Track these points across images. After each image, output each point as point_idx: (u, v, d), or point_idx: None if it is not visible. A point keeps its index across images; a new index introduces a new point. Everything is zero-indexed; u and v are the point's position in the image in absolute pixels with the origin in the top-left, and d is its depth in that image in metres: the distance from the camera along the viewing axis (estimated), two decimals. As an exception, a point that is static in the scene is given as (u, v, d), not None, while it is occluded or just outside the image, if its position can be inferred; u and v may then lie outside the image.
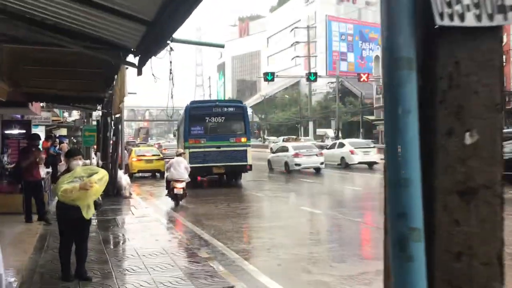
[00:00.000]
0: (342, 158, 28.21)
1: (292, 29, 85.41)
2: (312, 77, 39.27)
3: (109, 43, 5.52)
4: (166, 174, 16.16)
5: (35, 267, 7.14)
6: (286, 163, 25.96)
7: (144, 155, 25.87)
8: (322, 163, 25.80)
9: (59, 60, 7.88)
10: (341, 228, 11.14)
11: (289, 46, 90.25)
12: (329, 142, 43.03)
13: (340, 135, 50.92)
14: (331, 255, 8.27)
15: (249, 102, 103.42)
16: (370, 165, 27.62)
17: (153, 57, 5.33)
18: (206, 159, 19.39)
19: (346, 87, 70.42)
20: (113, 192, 15.74)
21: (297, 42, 74.27)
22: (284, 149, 27.41)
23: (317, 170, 25.77)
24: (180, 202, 14.54)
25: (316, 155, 26.09)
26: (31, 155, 10.21)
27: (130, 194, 16.18)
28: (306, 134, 69.72)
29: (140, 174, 25.81)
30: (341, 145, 29.61)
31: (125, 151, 26.50)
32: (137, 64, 5.69)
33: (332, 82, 67.90)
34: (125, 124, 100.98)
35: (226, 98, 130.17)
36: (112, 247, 8.79)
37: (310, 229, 11.47)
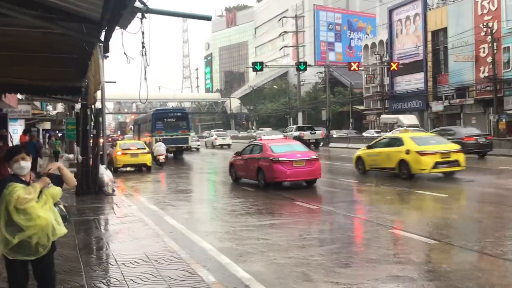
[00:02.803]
0: (211, 142, 49.92)
1: (280, 19, 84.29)
2: (302, 66, 38.26)
3: (68, 13, 4.55)
4: (152, 150, 26.54)
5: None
6: None
7: (129, 149, 24.79)
8: (198, 145, 44.97)
9: (23, 44, 6.89)
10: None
11: (277, 36, 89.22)
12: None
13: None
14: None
15: (237, 93, 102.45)
16: (228, 146, 47.13)
17: (127, 35, 4.42)
18: (165, 143, 28.78)
19: (335, 77, 69.56)
20: (95, 189, 14.78)
21: (285, 32, 73.14)
22: None
23: (197, 149, 43.75)
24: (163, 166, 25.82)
25: (195, 141, 43.92)
26: (-2, 152, 9.21)
27: (113, 190, 15.19)
28: (295, 124, 68.82)
29: (125, 169, 24.75)
30: (211, 135, 53.10)
31: (111, 148, 25.48)
32: (103, 40, 4.73)
33: (321, 72, 66.99)
34: (111, 117, 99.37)
35: (214, 89, 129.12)
36: (88, 254, 7.85)
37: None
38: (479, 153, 25.17)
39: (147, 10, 4.41)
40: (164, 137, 31.84)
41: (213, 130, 65.31)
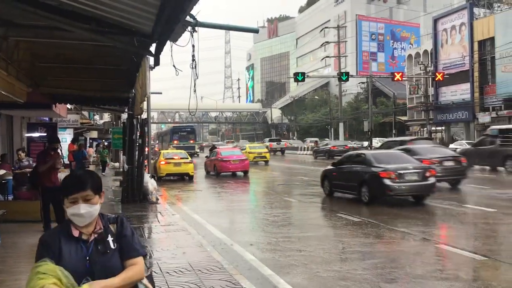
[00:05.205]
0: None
1: (322, 29, 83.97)
2: (343, 76, 37.91)
3: (120, 27, 4.70)
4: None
5: None
6: None
7: (172, 158, 25.24)
8: (198, 151, 54.65)
9: (74, 56, 7.14)
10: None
11: (319, 46, 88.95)
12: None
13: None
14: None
15: (278, 104, 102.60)
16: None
17: (174, 47, 4.52)
18: (179, 149, 33.99)
19: (377, 88, 68.68)
20: (139, 197, 15.08)
21: (327, 42, 72.57)
22: None
23: (197, 155, 50.96)
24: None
25: (198, 148, 56.00)
26: (49, 159, 9.52)
27: (157, 199, 15.47)
28: (336, 135, 68.28)
29: (168, 178, 25.16)
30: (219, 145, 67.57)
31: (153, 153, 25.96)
32: (154, 53, 4.85)
33: (363, 83, 66.30)
34: (155, 126, 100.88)
35: (255, 99, 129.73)
36: (133, 261, 7.99)
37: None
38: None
39: (196, 24, 4.51)
40: (179, 145, 44.19)
41: (223, 141, 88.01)
